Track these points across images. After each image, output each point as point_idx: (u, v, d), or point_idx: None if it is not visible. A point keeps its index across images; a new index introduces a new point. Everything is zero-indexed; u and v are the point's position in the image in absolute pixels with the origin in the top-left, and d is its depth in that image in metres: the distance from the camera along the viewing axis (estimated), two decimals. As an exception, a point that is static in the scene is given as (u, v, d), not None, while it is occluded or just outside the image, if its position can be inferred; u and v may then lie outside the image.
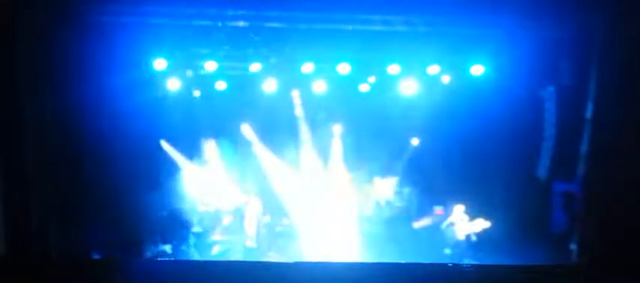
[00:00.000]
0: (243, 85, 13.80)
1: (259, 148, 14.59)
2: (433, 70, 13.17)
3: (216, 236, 13.41)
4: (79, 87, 10.97)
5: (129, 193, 12.21)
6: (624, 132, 10.44)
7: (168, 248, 12.79)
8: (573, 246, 11.24)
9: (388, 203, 14.50)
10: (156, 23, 11.35)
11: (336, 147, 14.86)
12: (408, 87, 13.52)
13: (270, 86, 13.54)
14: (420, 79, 13.45)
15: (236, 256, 13.19)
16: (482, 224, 12.96)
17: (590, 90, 10.93)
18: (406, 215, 14.26)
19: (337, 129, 14.76)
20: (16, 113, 10.27)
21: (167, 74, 13.15)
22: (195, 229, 13.17)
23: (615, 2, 10.41)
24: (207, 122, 14.35)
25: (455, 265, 11.34)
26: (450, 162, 13.78)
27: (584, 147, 11.07)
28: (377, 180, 14.68)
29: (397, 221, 14.17)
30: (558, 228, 12.03)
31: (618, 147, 10.47)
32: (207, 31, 11.75)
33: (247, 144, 14.58)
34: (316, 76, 13.53)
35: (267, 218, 13.86)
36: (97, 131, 11.36)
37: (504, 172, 13.17)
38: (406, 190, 14.52)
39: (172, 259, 12.52)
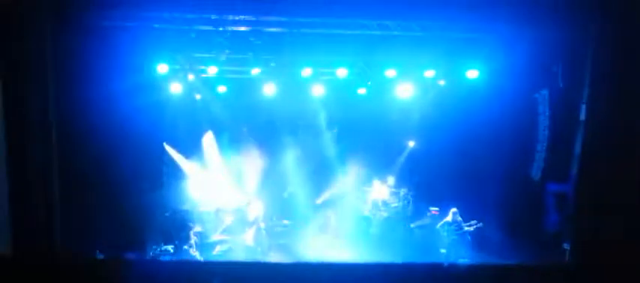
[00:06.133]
0: (244, 89, 13.98)
1: (260, 150, 14.74)
2: (429, 73, 13.38)
3: (217, 237, 13.50)
4: (84, 91, 11.12)
5: (132, 194, 12.37)
6: (616, 133, 10.63)
7: (170, 248, 12.90)
8: (566, 246, 11.40)
9: (385, 203, 14.64)
10: (158, 28, 11.52)
11: (334, 149, 15.01)
12: (405, 91, 13.72)
13: (269, 90, 13.72)
14: (416, 83, 13.66)
15: (237, 256, 13.22)
16: (477, 224, 13.05)
17: (583, 93, 11.09)
18: (403, 216, 14.41)
19: (335, 131, 14.92)
20: (22, 115, 10.42)
21: (169, 78, 13.34)
22: (197, 229, 13.28)
23: (607, 7, 10.58)
24: (209, 125, 14.52)
25: (450, 264, 11.44)
26: (445, 164, 13.97)
27: (577, 149, 11.23)
28: (374, 181, 14.86)
29: (394, 222, 14.31)
30: (551, 228, 12.15)
31: (611, 148, 10.65)
32: (209, 36, 11.94)
33: (248, 145, 14.74)
34: (315, 80, 13.71)
35: (268, 219, 13.98)
36: (102, 133, 11.50)
37: (499, 173, 13.32)
38: (403, 191, 14.70)
39: (174, 259, 12.62)
